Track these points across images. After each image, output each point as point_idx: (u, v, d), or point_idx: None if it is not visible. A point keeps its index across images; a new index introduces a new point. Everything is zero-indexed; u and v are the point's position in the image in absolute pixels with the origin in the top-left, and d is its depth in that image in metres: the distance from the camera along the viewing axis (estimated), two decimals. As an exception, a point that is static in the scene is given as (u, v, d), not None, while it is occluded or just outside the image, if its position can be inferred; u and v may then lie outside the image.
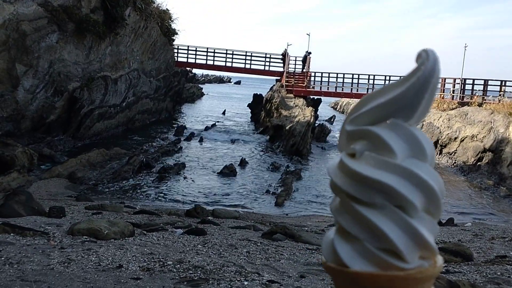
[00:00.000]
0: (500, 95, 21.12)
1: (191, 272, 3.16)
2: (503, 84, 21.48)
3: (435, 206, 0.41)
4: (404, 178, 0.40)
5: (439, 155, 19.34)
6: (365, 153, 0.41)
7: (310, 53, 27.11)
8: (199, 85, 50.09)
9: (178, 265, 3.29)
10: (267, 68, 28.33)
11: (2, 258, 3.13)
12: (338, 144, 0.45)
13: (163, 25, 23.10)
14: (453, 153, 18.49)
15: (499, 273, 3.76)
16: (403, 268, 0.39)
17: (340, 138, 0.45)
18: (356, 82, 26.15)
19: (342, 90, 26.59)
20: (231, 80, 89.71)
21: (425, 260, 0.41)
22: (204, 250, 4.03)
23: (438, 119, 20.33)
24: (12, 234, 4.00)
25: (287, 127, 19.08)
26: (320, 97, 26.78)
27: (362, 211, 0.40)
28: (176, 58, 27.57)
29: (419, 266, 0.40)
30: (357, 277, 0.40)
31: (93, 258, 3.31)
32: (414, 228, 0.39)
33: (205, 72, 61.26)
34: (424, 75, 0.40)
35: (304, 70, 26.54)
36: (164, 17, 23.12)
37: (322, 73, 26.83)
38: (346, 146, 0.43)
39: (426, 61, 0.40)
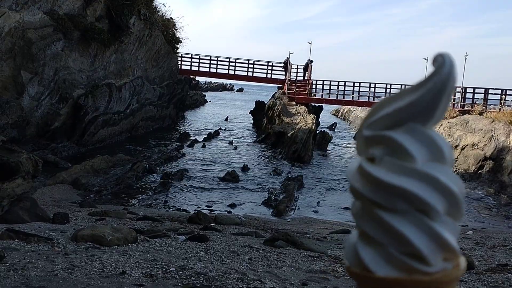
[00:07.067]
0: (500, 103, 21.14)
1: (194, 279, 3.18)
2: (503, 93, 21.49)
3: (457, 209, 0.41)
4: (425, 183, 0.39)
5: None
6: (384, 158, 0.41)
7: (311, 61, 27.29)
8: (202, 92, 50.31)
9: (181, 272, 3.31)
10: (269, 76, 28.49)
11: (7, 264, 3.16)
12: (356, 148, 0.45)
13: (167, 34, 23.32)
14: (454, 161, 18.48)
15: (500, 282, 3.76)
16: (427, 272, 0.39)
17: (357, 143, 0.44)
18: (357, 90, 26.25)
19: (344, 98, 26.68)
20: (234, 88, 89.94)
21: (448, 262, 0.40)
22: (206, 257, 4.05)
23: (439, 127, 20.33)
24: (16, 240, 4.04)
25: (289, 134, 19.12)
26: (322, 104, 26.88)
27: (384, 216, 0.40)
28: (179, 66, 27.77)
29: (443, 269, 0.40)
30: (382, 282, 0.39)
31: (97, 264, 3.33)
32: (437, 232, 0.39)
33: (208, 79, 61.64)
34: (441, 79, 0.40)
35: (306, 78, 26.67)
36: (168, 25, 23.35)
37: (323, 81, 26.98)
38: (365, 151, 0.43)
39: (443, 65, 0.40)
